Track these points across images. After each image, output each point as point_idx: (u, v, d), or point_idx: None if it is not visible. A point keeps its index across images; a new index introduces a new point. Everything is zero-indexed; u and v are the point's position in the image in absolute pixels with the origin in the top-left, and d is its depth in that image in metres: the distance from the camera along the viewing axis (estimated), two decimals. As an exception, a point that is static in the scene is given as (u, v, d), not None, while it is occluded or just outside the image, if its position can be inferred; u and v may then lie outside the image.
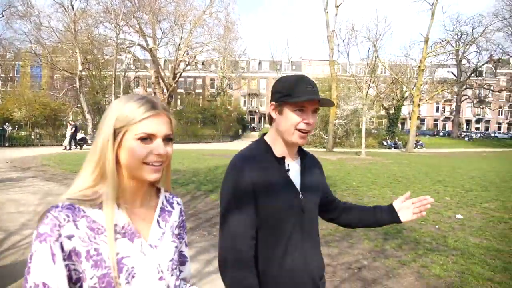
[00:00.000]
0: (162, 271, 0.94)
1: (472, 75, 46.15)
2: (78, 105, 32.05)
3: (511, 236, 5.11)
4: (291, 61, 54.48)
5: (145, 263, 0.91)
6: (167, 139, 0.92)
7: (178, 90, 48.02)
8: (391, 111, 39.11)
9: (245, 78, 52.92)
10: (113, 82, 29.36)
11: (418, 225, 5.59)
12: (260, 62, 58.85)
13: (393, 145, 35.21)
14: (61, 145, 20.46)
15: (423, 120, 59.80)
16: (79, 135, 25.88)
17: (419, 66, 29.25)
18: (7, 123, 24.51)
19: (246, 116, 55.53)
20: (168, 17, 31.55)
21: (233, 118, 44.22)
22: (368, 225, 1.50)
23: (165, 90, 33.52)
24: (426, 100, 34.55)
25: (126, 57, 32.96)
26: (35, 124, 26.54)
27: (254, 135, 44.30)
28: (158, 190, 1.05)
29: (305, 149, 1.41)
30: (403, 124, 51.90)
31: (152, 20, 29.98)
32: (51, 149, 19.44)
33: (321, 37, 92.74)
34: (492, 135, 55.58)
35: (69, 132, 20.14)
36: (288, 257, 1.20)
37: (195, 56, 34.52)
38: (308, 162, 1.36)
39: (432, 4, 27.94)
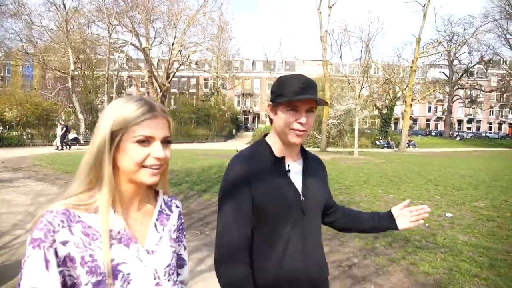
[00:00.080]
0: (158, 277, 0.92)
1: (464, 75, 46.76)
2: (71, 105, 31.83)
3: (499, 233, 5.21)
4: (285, 61, 54.59)
5: (141, 269, 0.89)
6: (166, 142, 0.91)
7: (172, 90, 47.91)
8: (384, 111, 39.43)
9: (239, 78, 52.90)
10: (106, 81, 29.22)
11: (408, 224, 5.66)
12: (254, 62, 58.90)
13: (386, 145, 35.49)
14: (54, 145, 20.29)
15: (415, 120, 60.38)
16: (71, 135, 25.74)
17: (411, 67, 29.52)
18: (-2, 123, 24.29)
19: (240, 116, 55.54)
20: (162, 16, 31.53)
21: (227, 118, 44.21)
22: (364, 230, 1.50)
23: (158, 90, 33.44)
24: (418, 100, 34.91)
25: (119, 57, 32.82)
26: (26, 124, 26.30)
27: (248, 135, 44.31)
28: (156, 193, 1.04)
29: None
30: (396, 124, 52.30)
31: (145, 20, 29.90)
32: (43, 149, 19.29)
33: (314, 37, 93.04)
34: (483, 135, 56.29)
35: (59, 132, 19.95)
36: (287, 257, 1.20)
37: (188, 56, 34.51)
38: (311, 164, 1.34)
39: (424, 5, 28.23)
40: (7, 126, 27.07)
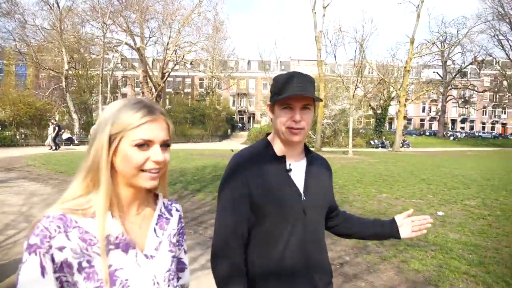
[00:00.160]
0: (158, 283, 0.90)
1: (457, 75, 47.15)
2: (65, 104, 31.63)
3: (489, 231, 5.28)
4: (280, 61, 54.69)
5: (140, 275, 0.87)
6: (165, 145, 0.89)
7: (167, 90, 47.84)
8: (379, 111, 39.66)
9: (234, 78, 52.89)
10: (100, 81, 29.09)
11: (400, 222, 5.73)
12: (249, 62, 58.91)
13: (380, 145, 35.71)
14: (48, 145, 20.11)
15: (410, 120, 60.76)
16: (66, 135, 25.60)
17: (405, 67, 29.73)
18: (-9, 123, 24.08)
19: (235, 116, 55.55)
20: (156, 16, 31.45)
21: (222, 118, 44.22)
22: (366, 237, 1.49)
23: (153, 90, 33.35)
24: (412, 100, 35.16)
25: (113, 56, 32.70)
26: (20, 124, 26.09)
27: (243, 135, 44.32)
28: (156, 197, 1.02)
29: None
30: (390, 123, 52.63)
31: (139, 19, 29.82)
32: (36, 149, 19.16)
33: (309, 37, 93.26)
34: (477, 134, 56.81)
35: (51, 131, 19.75)
36: (287, 258, 1.19)
37: (183, 56, 34.45)
38: (315, 164, 1.33)
39: (418, 6, 28.45)
40: (0, 126, 26.83)
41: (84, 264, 0.80)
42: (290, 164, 1.24)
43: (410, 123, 60.80)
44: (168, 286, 0.93)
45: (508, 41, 38.25)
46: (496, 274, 3.68)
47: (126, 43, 30.98)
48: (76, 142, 25.40)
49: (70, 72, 30.09)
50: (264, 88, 57.10)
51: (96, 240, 0.82)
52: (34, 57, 29.43)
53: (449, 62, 46.55)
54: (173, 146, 0.95)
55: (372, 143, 36.18)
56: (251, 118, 59.35)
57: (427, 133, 55.95)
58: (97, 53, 32.02)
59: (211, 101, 46.41)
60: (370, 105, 39.90)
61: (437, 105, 56.10)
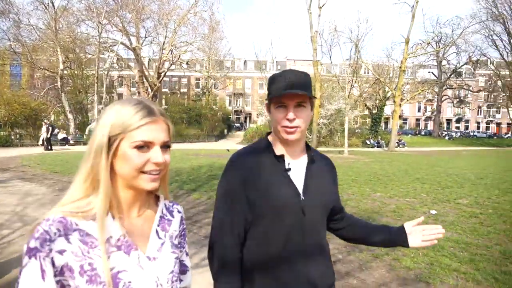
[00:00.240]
0: (161, 284, 0.89)
1: (452, 75, 47.45)
2: (60, 104, 31.47)
3: (480, 230, 5.35)
4: (276, 61, 54.74)
5: (143, 276, 0.86)
6: (165, 146, 0.88)
7: (163, 90, 47.69)
8: (374, 111, 39.83)
9: (230, 78, 52.93)
10: (96, 81, 28.98)
11: (393, 221, 5.79)
12: (245, 62, 58.95)
13: (376, 144, 35.85)
14: (41, 145, 19.98)
15: (405, 119, 61.11)
16: (61, 135, 25.49)
17: (400, 67, 29.88)
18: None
19: (231, 116, 55.54)
20: (152, 16, 31.38)
21: (218, 118, 44.16)
22: (373, 243, 1.43)
23: (149, 90, 33.28)
24: (408, 100, 35.35)
25: (109, 56, 32.56)
26: (14, 124, 25.93)
27: (240, 135, 44.32)
28: (157, 198, 1.01)
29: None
30: (386, 123, 52.85)
31: (135, 19, 29.74)
32: (31, 150, 19.06)
33: (305, 37, 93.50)
34: (471, 134, 57.27)
35: (44, 131, 19.58)
36: (285, 258, 1.18)
37: (179, 56, 34.42)
38: (317, 163, 1.30)
39: (412, 6, 28.60)
40: (-5, 126, 26.65)
41: (86, 267, 0.79)
42: (289, 163, 1.23)
43: (406, 123, 61.13)
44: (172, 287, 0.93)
45: (502, 41, 38.58)
46: (486, 271, 3.74)
47: (121, 43, 30.89)
48: (71, 142, 25.30)
49: (65, 72, 29.97)
50: (261, 88, 57.16)
51: (98, 243, 0.81)
52: (29, 56, 29.25)
53: (444, 62, 46.84)
54: (170, 147, 0.96)
55: (368, 142, 36.33)
56: (248, 118, 59.37)
57: (423, 133, 56.29)
58: (92, 53, 31.88)
59: (207, 101, 46.39)
60: (366, 105, 40.06)
61: (433, 105, 56.43)
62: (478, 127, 61.10)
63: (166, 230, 0.97)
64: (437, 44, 39.46)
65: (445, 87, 50.07)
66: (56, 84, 29.63)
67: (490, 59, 43.52)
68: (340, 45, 61.31)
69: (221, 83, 51.69)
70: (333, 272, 1.31)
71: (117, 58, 34.07)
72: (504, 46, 38.46)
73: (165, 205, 1.02)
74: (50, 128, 19.69)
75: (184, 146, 26.91)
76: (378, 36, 74.76)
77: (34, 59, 29.98)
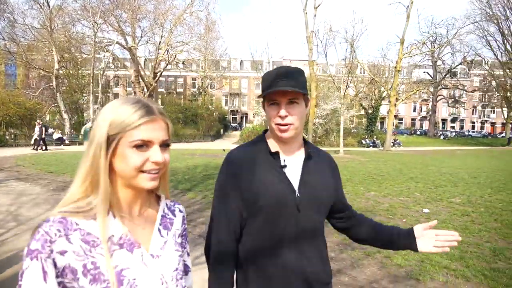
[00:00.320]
0: (166, 282, 0.89)
1: (447, 75, 47.74)
2: (55, 104, 31.33)
3: (472, 228, 5.42)
4: (273, 61, 54.78)
5: (147, 274, 0.86)
6: (164, 145, 0.88)
7: (159, 90, 47.58)
8: (370, 111, 40.00)
9: (226, 78, 52.89)
10: (92, 81, 28.88)
11: (386, 219, 5.85)
12: (241, 62, 58.95)
13: (371, 144, 36.01)
14: (32, 145, 19.81)
15: (401, 119, 61.43)
16: (56, 135, 25.38)
17: (395, 67, 30.05)
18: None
19: (227, 116, 55.53)
20: (148, 15, 31.30)
21: (214, 118, 44.14)
22: (381, 246, 1.38)
23: (145, 90, 33.21)
24: (403, 100, 35.55)
25: (104, 56, 32.44)
26: (9, 124, 25.79)
27: (236, 135, 44.32)
28: (158, 198, 1.00)
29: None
30: (382, 123, 53.06)
31: (131, 19, 29.66)
32: (26, 150, 18.98)
33: (301, 37, 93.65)
34: (466, 133, 57.64)
35: (37, 131, 19.39)
36: (281, 255, 1.18)
37: (175, 55, 34.36)
38: (315, 160, 1.28)
39: (407, 6, 28.76)
40: (-11, 126, 26.47)
41: (89, 266, 0.79)
42: (284, 160, 1.23)
43: (401, 123, 61.45)
44: (177, 286, 0.92)
45: (496, 41, 38.90)
46: (475, 268, 3.81)
47: (117, 43, 30.81)
48: (66, 142, 25.20)
49: (60, 71, 29.84)
50: (257, 88, 57.19)
51: (99, 241, 0.81)
52: (24, 56, 29.13)
53: (439, 62, 47.12)
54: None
55: (364, 142, 36.48)
56: (244, 118, 59.39)
57: (418, 133, 56.58)
58: (88, 52, 31.75)
59: (203, 101, 46.34)
60: (361, 105, 40.21)
61: (428, 104, 56.77)
62: (473, 127, 61.53)
63: (169, 229, 0.97)
64: (432, 44, 39.71)
65: (440, 87, 50.38)
66: (51, 84, 29.52)
67: (484, 59, 43.84)
68: (335, 45, 61.59)
69: (217, 83, 51.66)
70: (330, 270, 1.30)
71: (113, 57, 33.93)
72: (498, 46, 38.81)
73: (167, 204, 1.01)
74: (43, 128, 19.52)
75: (180, 146, 26.88)
76: (373, 36, 75.21)
77: (29, 58, 29.88)
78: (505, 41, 37.45)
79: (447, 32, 37.32)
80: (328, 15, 69.69)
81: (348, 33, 29.05)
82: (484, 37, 38.98)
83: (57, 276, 0.77)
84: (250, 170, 1.21)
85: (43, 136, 19.30)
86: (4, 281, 3.31)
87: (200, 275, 2.78)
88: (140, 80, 33.10)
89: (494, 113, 59.66)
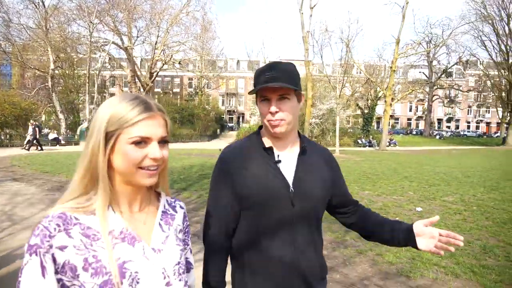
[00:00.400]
0: (168, 276, 0.89)
1: (443, 75, 48.00)
2: (51, 104, 31.20)
3: (463, 226, 5.49)
4: (269, 61, 54.67)
5: (149, 267, 0.86)
6: (163, 142, 0.88)
7: (155, 90, 47.53)
8: (366, 111, 40.16)
9: (223, 78, 52.88)
10: (87, 81, 28.80)
11: (379, 218, 5.90)
12: (238, 62, 58.93)
13: (367, 144, 36.16)
14: (35, 145, 19.73)
15: (397, 119, 61.69)
16: (52, 135, 25.28)
17: (390, 67, 30.18)
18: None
19: (224, 116, 55.52)
20: (144, 15, 31.20)
21: (211, 118, 44.15)
22: (385, 242, 1.35)
23: (141, 90, 33.10)
24: (399, 100, 35.69)
25: (100, 56, 32.35)
26: (4, 124, 25.66)
27: (232, 135, 44.34)
28: (158, 195, 1.01)
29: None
30: (378, 123, 53.26)
31: (127, 18, 29.57)
32: (21, 150, 18.90)
33: (297, 37, 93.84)
34: (462, 133, 57.97)
35: (30, 132, 19.26)
36: (276, 250, 1.19)
37: (172, 55, 34.28)
38: (310, 155, 1.29)
39: (403, 7, 28.90)
40: (-16, 127, 26.31)
41: (91, 259, 0.79)
42: (278, 155, 1.23)
43: (398, 123, 61.72)
44: (179, 280, 0.93)
45: (491, 41, 39.13)
46: (465, 265, 3.86)
47: (113, 43, 30.70)
48: (62, 142, 25.10)
49: (56, 71, 29.70)
50: (254, 88, 57.11)
51: (100, 235, 0.81)
52: (19, 56, 28.94)
53: (434, 63, 47.39)
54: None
55: (360, 142, 36.62)
56: (241, 118, 59.40)
57: (414, 132, 56.85)
58: (84, 52, 31.63)
59: (200, 101, 46.34)
60: (357, 105, 40.36)
61: (424, 104, 57.04)
62: (468, 127, 61.90)
63: (170, 224, 0.97)
64: (428, 44, 39.93)
65: (435, 87, 50.64)
66: (47, 84, 29.38)
67: (479, 59, 44.12)
68: (331, 46, 61.58)
69: (214, 83, 51.63)
70: (325, 265, 1.31)
71: (109, 57, 33.88)
72: (493, 46, 39.03)
73: (167, 201, 1.02)
74: (37, 128, 19.39)
75: (177, 146, 26.86)
76: (369, 36, 75.52)
77: (24, 58, 29.70)
78: (500, 41, 37.71)
79: (442, 32, 37.62)
80: (324, 15, 69.94)
81: (344, 33, 29.22)
82: (479, 37, 39.24)
83: (56, 272, 0.76)
84: (244, 166, 1.22)
85: (37, 136, 19.18)
86: (0, 279, 3.33)
87: (198, 274, 2.82)
88: (137, 80, 33.02)
89: (489, 113, 60.06)
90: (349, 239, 4.76)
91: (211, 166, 12.85)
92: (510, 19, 36.23)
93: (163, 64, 34.55)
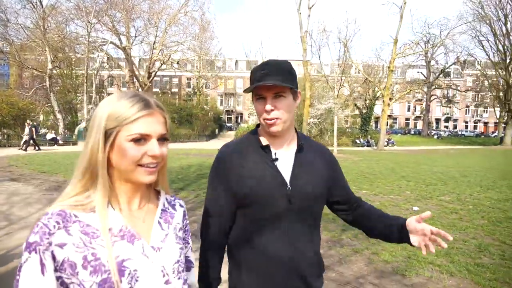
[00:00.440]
0: (167, 274, 0.89)
1: (440, 75, 48.11)
2: (49, 104, 31.13)
3: (459, 225, 5.51)
4: (267, 61, 54.76)
5: (149, 265, 0.86)
6: (162, 139, 0.87)
7: (154, 90, 47.53)
8: (364, 111, 40.22)
9: (221, 78, 52.88)
10: (85, 81, 28.74)
11: (376, 217, 5.93)
12: (236, 62, 58.94)
13: (365, 143, 36.20)
14: (32, 145, 19.67)
15: (395, 119, 61.82)
16: (50, 135, 25.23)
17: (388, 67, 30.25)
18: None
19: (222, 116, 55.53)
20: (142, 15, 31.22)
21: (209, 118, 44.13)
22: (383, 239, 1.34)
23: (140, 90, 33.04)
24: (396, 100, 35.77)
25: (98, 56, 32.30)
26: (2, 124, 25.60)
27: (231, 135, 44.36)
28: (157, 193, 1.01)
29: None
30: (376, 122, 53.34)
31: (125, 18, 29.57)
32: (19, 150, 18.85)
33: (295, 37, 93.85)
34: (460, 133, 58.16)
35: (27, 132, 19.17)
36: (272, 246, 1.19)
37: (170, 55, 34.28)
38: (308, 152, 1.29)
39: (401, 7, 28.97)
40: (-18, 127, 26.24)
41: (89, 257, 0.78)
42: (276, 153, 1.23)
43: (396, 122, 61.84)
44: (179, 278, 0.92)
45: (488, 42, 39.26)
46: (460, 264, 3.89)
47: (111, 42, 30.71)
48: (60, 142, 25.06)
49: (54, 71, 29.66)
50: (252, 88, 57.10)
51: (100, 233, 0.81)
52: (16, 56, 28.88)
53: (432, 62, 47.46)
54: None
55: (358, 142, 36.67)
56: (239, 118, 59.41)
57: (412, 132, 56.98)
58: (82, 52, 31.59)
59: (198, 100, 46.30)
60: (355, 105, 40.41)
61: (422, 104, 57.17)
62: (466, 126, 62.09)
63: (169, 222, 0.96)
64: (426, 44, 40.00)
65: (433, 87, 50.75)
66: (44, 84, 29.31)
67: (477, 59, 44.23)
68: (329, 45, 61.72)
69: (212, 83, 51.61)
70: (322, 263, 1.32)
71: (107, 57, 33.84)
72: (490, 46, 39.15)
73: (167, 199, 1.01)
74: (34, 128, 19.33)
75: (175, 146, 26.84)
76: (368, 36, 75.52)
77: (22, 58, 29.64)
78: (497, 42, 37.81)
79: (440, 32, 37.64)
80: (322, 15, 70.04)
81: (342, 33, 29.26)
82: (477, 37, 39.35)
83: (55, 270, 0.76)
84: (241, 164, 1.22)
85: (34, 136, 19.12)
86: (-5, 279, 3.33)
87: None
88: (135, 80, 33.03)
89: (487, 112, 60.23)
90: (345, 238, 4.79)
91: (209, 166, 12.80)
92: (508, 19, 36.37)
93: (161, 64, 34.55)
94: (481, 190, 8.66)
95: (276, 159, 1.22)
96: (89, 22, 26.77)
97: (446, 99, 56.21)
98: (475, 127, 62.16)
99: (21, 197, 6.99)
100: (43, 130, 27.77)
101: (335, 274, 3.63)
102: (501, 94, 39.58)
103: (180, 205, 1.04)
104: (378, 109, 42.55)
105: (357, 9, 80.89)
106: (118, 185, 0.88)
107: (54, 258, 0.76)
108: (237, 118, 59.72)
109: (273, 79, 1.14)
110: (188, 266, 1.06)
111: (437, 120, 62.50)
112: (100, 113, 0.84)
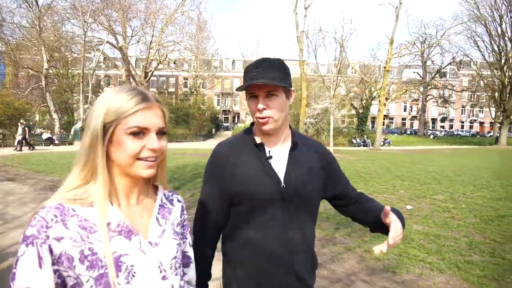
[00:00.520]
0: (164, 270, 0.89)
1: (436, 76, 48.37)
2: (45, 104, 31.00)
3: (451, 223, 5.58)
4: (263, 61, 54.72)
5: (146, 261, 0.86)
6: (161, 133, 0.87)
7: (150, 89, 46.92)
8: (361, 111, 40.35)
9: (218, 78, 52.84)
10: (82, 80, 28.65)
11: (369, 216, 5.98)
12: (233, 62, 58.93)
13: (362, 143, 36.33)
14: (26, 145, 19.61)
15: (392, 119, 62.03)
16: (45, 135, 25.14)
17: (384, 67, 30.36)
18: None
19: (219, 116, 55.50)
20: (139, 15, 31.09)
21: (206, 118, 44.11)
22: (379, 232, 1.29)
23: (136, 89, 33.00)
24: (393, 100, 35.90)
25: (95, 55, 32.20)
26: (-3, 124, 25.50)
27: (228, 135, 44.32)
28: (156, 188, 1.00)
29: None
30: (373, 122, 53.51)
31: (122, 18, 29.48)
32: (14, 151, 18.78)
33: (291, 37, 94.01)
34: (456, 133, 58.43)
35: (20, 132, 19.07)
36: (266, 244, 1.20)
37: (166, 55, 34.22)
38: (302, 150, 1.28)
39: (396, 7, 29.08)
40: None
41: (86, 251, 0.78)
42: (270, 151, 1.24)
43: (392, 122, 62.05)
44: (176, 274, 0.92)
45: (483, 42, 39.48)
46: (450, 261, 3.95)
47: (108, 42, 30.61)
48: (56, 142, 24.98)
49: (50, 71, 29.53)
50: (249, 87, 57.11)
51: (97, 228, 0.80)
52: (12, 55, 28.71)
53: (428, 63, 47.73)
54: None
55: (354, 141, 36.79)
56: (236, 118, 59.41)
57: (408, 132, 57.18)
58: (78, 52, 31.46)
59: (195, 100, 46.25)
60: (352, 105, 40.53)
61: (418, 104, 57.39)
62: (462, 126, 62.41)
63: (167, 218, 0.96)
64: (422, 44, 40.19)
65: (429, 87, 51.00)
66: (40, 84, 29.19)
67: (472, 59, 44.50)
68: (325, 46, 61.71)
69: (209, 82, 51.58)
70: (315, 260, 1.33)
71: (104, 57, 33.74)
72: (486, 47, 39.36)
73: (165, 194, 1.01)
74: (26, 128, 19.23)
75: (172, 146, 26.83)
76: (364, 36, 75.73)
77: (17, 58, 29.46)
78: (492, 42, 38.05)
79: (436, 32, 37.91)
80: (318, 15, 70.17)
81: (338, 33, 29.31)
82: (472, 37, 39.56)
83: (53, 263, 0.76)
84: (235, 162, 1.22)
85: (27, 136, 19.03)
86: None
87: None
88: (131, 79, 32.95)
89: (482, 112, 60.55)
90: (338, 236, 4.84)
91: (205, 165, 12.70)
92: (503, 20, 36.62)
93: (158, 64, 34.47)
94: (474, 189, 8.74)
95: (270, 157, 1.23)
96: (85, 21, 26.66)
97: (442, 99, 56.52)
98: (471, 127, 62.49)
99: (16, 196, 6.99)
100: (38, 130, 27.63)
101: (327, 272, 3.67)
102: (496, 94, 39.82)
103: (178, 200, 1.04)
104: (374, 109, 42.68)
105: (353, 9, 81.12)
106: (116, 180, 0.88)
107: (51, 251, 0.75)
108: (234, 118, 59.71)
109: (265, 78, 1.14)
110: (187, 262, 1.06)
111: (433, 120, 62.78)
112: (98, 107, 0.84)
